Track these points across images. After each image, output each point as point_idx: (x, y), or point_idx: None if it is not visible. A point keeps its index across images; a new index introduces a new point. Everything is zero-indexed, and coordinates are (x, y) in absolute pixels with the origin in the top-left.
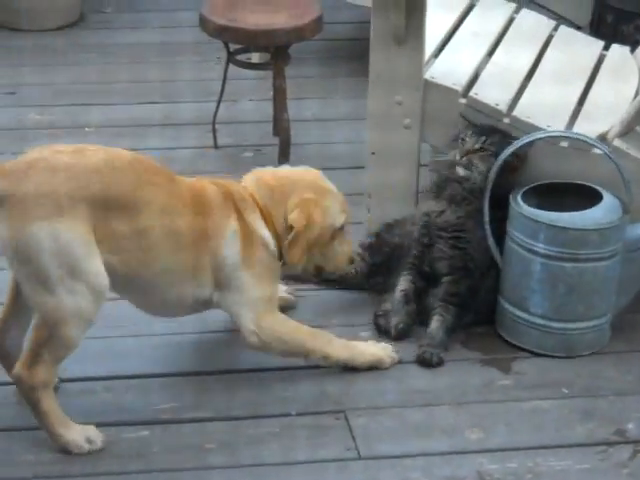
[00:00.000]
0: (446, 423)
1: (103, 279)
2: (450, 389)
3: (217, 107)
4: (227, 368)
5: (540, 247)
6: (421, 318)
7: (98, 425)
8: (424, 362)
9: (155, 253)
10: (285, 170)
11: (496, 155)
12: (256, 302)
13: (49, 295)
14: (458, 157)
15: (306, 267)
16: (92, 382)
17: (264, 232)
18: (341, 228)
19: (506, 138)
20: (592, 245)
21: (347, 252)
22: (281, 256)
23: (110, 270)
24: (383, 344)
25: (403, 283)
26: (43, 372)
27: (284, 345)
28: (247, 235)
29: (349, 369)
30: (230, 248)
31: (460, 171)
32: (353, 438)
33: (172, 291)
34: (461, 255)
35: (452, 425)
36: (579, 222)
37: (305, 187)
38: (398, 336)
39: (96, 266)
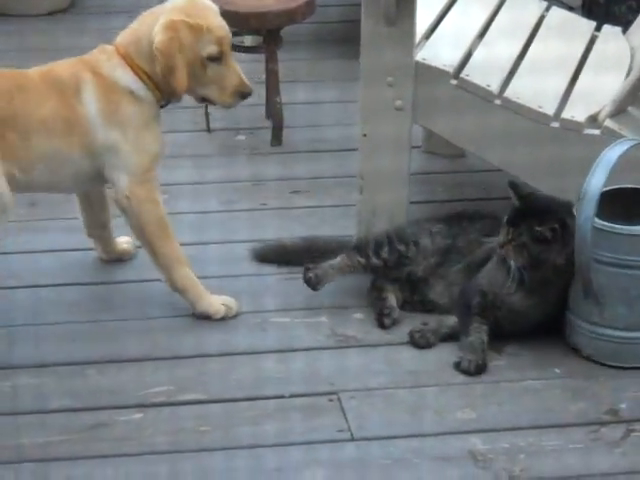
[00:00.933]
0: (438, 404)
1: (7, 196)
2: (442, 370)
3: None
4: (220, 351)
5: None
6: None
7: (91, 409)
8: (463, 371)
9: (37, 147)
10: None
11: (529, 241)
12: (132, 166)
13: None
14: (498, 247)
15: (195, 96)
16: (85, 365)
17: (126, 78)
18: (217, 59)
19: (536, 220)
20: None
21: (234, 84)
22: (162, 97)
23: (12, 179)
24: (221, 297)
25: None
26: None
27: (142, 225)
28: (107, 89)
29: (343, 349)
30: (88, 109)
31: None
32: (346, 419)
33: (66, 172)
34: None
35: (444, 405)
36: None
37: (178, 7)
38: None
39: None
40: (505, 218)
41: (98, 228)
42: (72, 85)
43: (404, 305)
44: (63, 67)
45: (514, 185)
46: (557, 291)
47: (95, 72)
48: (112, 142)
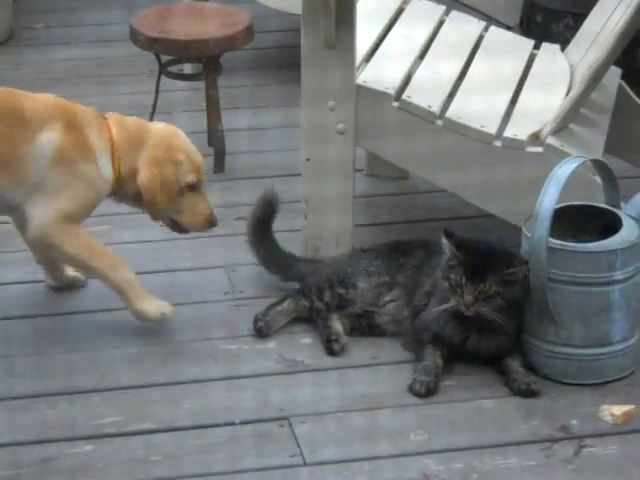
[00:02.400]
0: (390, 426)
1: None
2: (392, 392)
3: (151, 119)
4: (170, 380)
5: (618, 274)
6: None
7: (42, 442)
8: (532, 393)
9: None
10: (147, 122)
11: (501, 289)
12: (55, 207)
13: None
14: (463, 308)
15: (162, 218)
16: (34, 399)
17: (102, 155)
18: (193, 187)
19: (501, 265)
20: None
21: (203, 212)
22: (114, 191)
23: None
24: (163, 304)
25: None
26: None
27: (65, 255)
28: (74, 146)
29: (293, 374)
30: (39, 158)
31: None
32: (298, 445)
33: None
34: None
35: (396, 428)
36: (636, 235)
37: (159, 142)
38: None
39: None
40: (456, 277)
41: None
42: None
43: (352, 331)
44: (36, 104)
45: (449, 235)
46: (516, 321)
47: (72, 130)
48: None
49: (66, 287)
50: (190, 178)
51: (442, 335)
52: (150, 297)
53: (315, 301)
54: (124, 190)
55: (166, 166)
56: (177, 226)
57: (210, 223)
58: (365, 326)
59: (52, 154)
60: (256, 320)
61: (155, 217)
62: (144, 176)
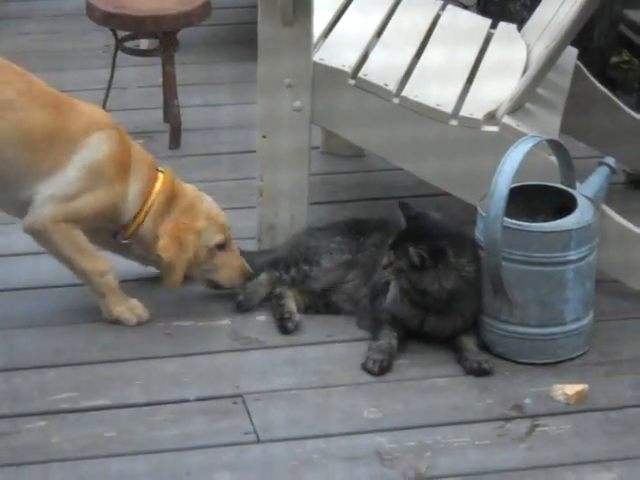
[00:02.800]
0: (344, 404)
1: None
2: (346, 370)
3: (107, 95)
4: (123, 357)
5: (572, 254)
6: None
7: None
8: (484, 372)
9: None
10: (183, 186)
11: (406, 267)
12: (61, 201)
13: None
14: (386, 274)
15: (199, 281)
16: None
17: (134, 193)
18: (221, 246)
19: (411, 245)
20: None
21: (237, 266)
22: (130, 235)
23: None
24: (134, 303)
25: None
26: None
27: (55, 252)
28: (118, 164)
29: (247, 351)
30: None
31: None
32: (251, 422)
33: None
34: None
35: (350, 406)
36: (590, 215)
37: (184, 209)
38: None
39: None
40: (389, 241)
41: None
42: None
43: (307, 309)
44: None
45: (403, 206)
46: (463, 307)
47: (123, 145)
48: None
49: None
50: (218, 239)
51: (400, 318)
52: (127, 302)
53: (283, 274)
54: (141, 243)
55: (188, 236)
56: (212, 284)
57: (246, 276)
58: (321, 305)
59: (96, 159)
60: (235, 294)
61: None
62: (165, 246)
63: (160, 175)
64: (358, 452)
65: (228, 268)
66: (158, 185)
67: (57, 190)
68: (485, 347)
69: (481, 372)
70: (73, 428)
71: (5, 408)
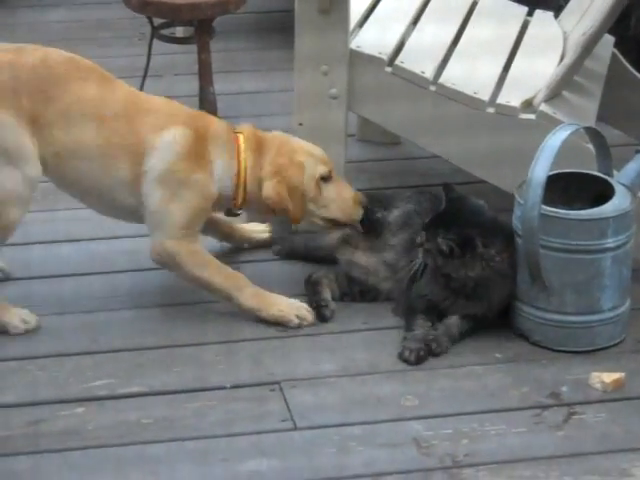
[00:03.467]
0: (381, 392)
1: (36, 168)
2: (382, 357)
3: (142, 82)
4: (161, 343)
5: (610, 242)
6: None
7: (33, 404)
8: (404, 360)
9: (81, 146)
10: (266, 134)
11: (434, 250)
12: (166, 223)
13: None
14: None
15: (316, 225)
16: (25, 361)
17: (219, 168)
18: (327, 178)
19: (442, 231)
20: None
21: (349, 197)
22: (243, 204)
23: (43, 161)
24: (297, 302)
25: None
26: None
27: (186, 274)
28: (192, 156)
29: (284, 339)
30: (154, 160)
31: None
32: (288, 409)
33: (99, 188)
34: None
35: (387, 393)
36: (628, 203)
37: (279, 149)
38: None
39: (30, 155)
40: (426, 220)
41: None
42: (149, 133)
43: (343, 296)
44: (160, 106)
45: (447, 187)
46: (490, 294)
47: (197, 139)
48: (153, 198)
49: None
50: (321, 170)
51: (433, 299)
52: (274, 297)
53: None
54: (254, 202)
55: (290, 171)
56: (331, 222)
57: (361, 204)
58: (356, 292)
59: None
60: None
61: (301, 222)
62: (267, 188)
63: (239, 136)
64: (395, 439)
65: (340, 200)
66: (242, 146)
67: (150, 210)
68: (522, 335)
69: (401, 359)
70: (110, 415)
71: (42, 395)
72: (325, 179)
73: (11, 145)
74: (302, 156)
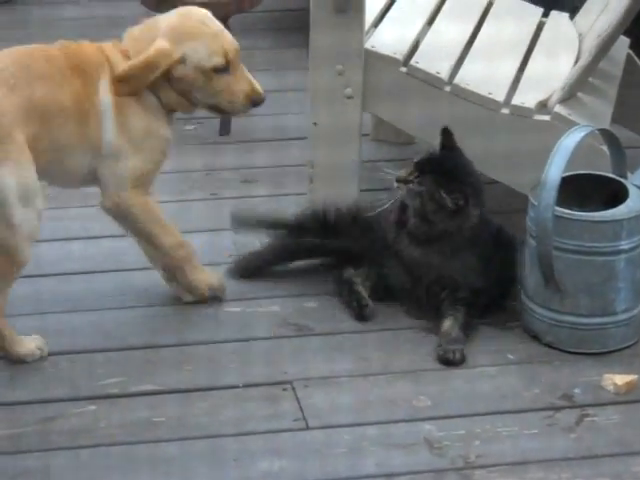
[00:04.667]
0: (393, 392)
1: (44, 200)
2: (396, 358)
3: None
4: (173, 341)
5: (624, 244)
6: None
7: (44, 401)
8: (447, 362)
9: (52, 133)
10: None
11: (426, 196)
12: (124, 172)
13: (6, 227)
14: (395, 183)
15: (203, 108)
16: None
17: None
18: (221, 69)
19: (444, 183)
20: None
21: (243, 89)
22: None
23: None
24: (217, 275)
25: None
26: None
27: (135, 225)
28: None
29: (296, 338)
30: (105, 112)
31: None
32: (300, 408)
33: (68, 164)
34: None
35: (399, 393)
36: None
37: (167, 33)
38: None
39: (39, 187)
40: (417, 159)
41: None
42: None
43: (370, 294)
44: (90, 54)
45: (445, 132)
46: (457, 253)
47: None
48: (115, 149)
49: None
50: (213, 60)
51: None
52: (204, 271)
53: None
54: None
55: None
56: (214, 109)
57: (252, 100)
58: (381, 289)
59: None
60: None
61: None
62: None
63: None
64: (407, 440)
65: (228, 93)
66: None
67: (108, 161)
68: (534, 336)
69: (444, 361)
70: (122, 413)
71: (54, 392)
72: (219, 70)
73: (31, 182)
74: (193, 43)
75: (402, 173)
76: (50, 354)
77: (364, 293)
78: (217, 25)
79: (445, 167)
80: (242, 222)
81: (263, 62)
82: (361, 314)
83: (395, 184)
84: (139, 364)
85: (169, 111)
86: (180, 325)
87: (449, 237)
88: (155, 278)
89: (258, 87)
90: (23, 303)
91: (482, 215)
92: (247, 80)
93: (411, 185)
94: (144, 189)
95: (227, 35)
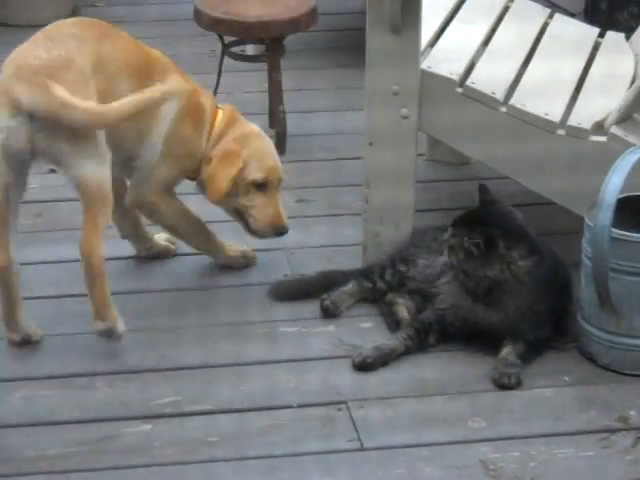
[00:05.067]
0: (448, 413)
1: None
2: (451, 379)
3: None
4: (229, 361)
5: None
6: None
7: (100, 421)
8: (502, 386)
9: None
10: (243, 121)
11: (457, 247)
12: (157, 176)
13: (95, 164)
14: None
15: (227, 205)
16: (93, 377)
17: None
18: (261, 187)
19: (469, 230)
20: None
21: (271, 215)
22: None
23: None
24: (244, 248)
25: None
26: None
27: (162, 222)
28: (192, 115)
29: (350, 360)
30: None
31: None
32: (355, 429)
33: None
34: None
35: (454, 415)
36: None
37: (237, 137)
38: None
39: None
40: (455, 217)
41: (129, 227)
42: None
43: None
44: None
45: (482, 188)
46: (507, 301)
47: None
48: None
49: (158, 256)
50: (257, 176)
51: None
52: (227, 246)
53: (377, 282)
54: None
55: (232, 157)
56: (240, 218)
57: (275, 228)
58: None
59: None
60: (322, 300)
61: (217, 203)
62: (211, 168)
63: (220, 111)
64: (462, 461)
65: (260, 212)
66: (219, 119)
67: (147, 161)
68: (591, 358)
69: (499, 385)
70: (176, 432)
71: (108, 411)
72: (258, 186)
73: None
74: (250, 152)
75: (444, 235)
76: (106, 373)
77: (402, 314)
78: (272, 148)
79: (475, 218)
80: (284, 295)
81: (318, 81)
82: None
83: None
84: (195, 383)
85: None
86: (236, 344)
87: (499, 287)
88: (212, 297)
89: (285, 218)
90: (81, 321)
91: (535, 259)
92: (277, 206)
93: (448, 243)
94: (169, 190)
95: (276, 159)
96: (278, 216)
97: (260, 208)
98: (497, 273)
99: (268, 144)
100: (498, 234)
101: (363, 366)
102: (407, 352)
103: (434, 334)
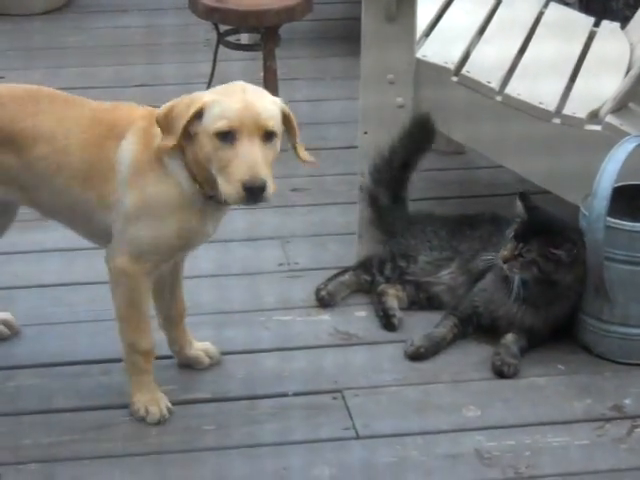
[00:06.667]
0: (443, 401)
1: None
2: (447, 367)
3: (208, 89)
4: (223, 350)
5: None
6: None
7: (96, 409)
8: (500, 374)
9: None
10: None
11: (541, 260)
12: (128, 239)
13: None
14: (500, 262)
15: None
16: (87, 365)
17: (173, 163)
18: (226, 137)
19: (550, 240)
20: None
21: (236, 175)
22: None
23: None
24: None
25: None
26: None
27: (116, 295)
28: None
29: (347, 347)
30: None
31: (507, 273)
32: (351, 417)
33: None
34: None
35: (449, 403)
36: None
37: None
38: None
39: None
40: (511, 233)
41: (167, 320)
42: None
43: (411, 305)
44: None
45: (523, 196)
46: (562, 307)
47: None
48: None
49: (187, 364)
50: (219, 123)
51: (478, 308)
52: (150, 391)
53: (376, 275)
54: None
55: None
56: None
57: (243, 183)
58: (423, 299)
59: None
60: (318, 290)
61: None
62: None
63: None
64: (457, 450)
65: (226, 175)
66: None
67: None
68: (585, 347)
69: (498, 372)
70: (172, 421)
71: (103, 400)
72: (222, 136)
73: None
74: (201, 101)
75: (505, 253)
76: (102, 361)
77: (391, 304)
78: (254, 95)
79: (542, 227)
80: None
81: (313, 70)
82: (388, 323)
83: (504, 266)
84: (190, 373)
85: (206, 197)
86: (231, 334)
87: (568, 290)
88: (199, 287)
89: (256, 171)
90: (78, 309)
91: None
92: (245, 160)
93: (521, 258)
94: (146, 264)
95: (256, 106)
96: (247, 171)
97: (226, 168)
98: (573, 277)
99: (239, 89)
100: (576, 237)
101: (416, 356)
102: (454, 340)
103: (472, 325)
